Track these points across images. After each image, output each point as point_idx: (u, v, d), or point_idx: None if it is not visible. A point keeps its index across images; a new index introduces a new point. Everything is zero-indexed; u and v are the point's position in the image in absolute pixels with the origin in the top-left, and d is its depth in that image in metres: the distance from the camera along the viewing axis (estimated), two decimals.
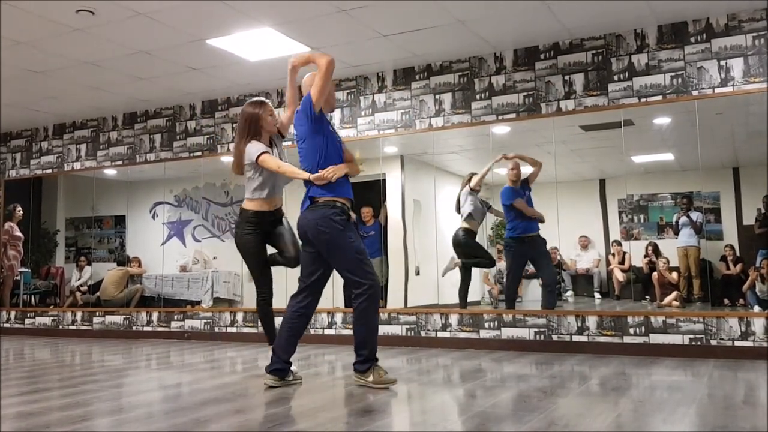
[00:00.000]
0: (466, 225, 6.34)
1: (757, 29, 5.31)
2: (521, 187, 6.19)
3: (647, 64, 5.65)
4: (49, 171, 8.72)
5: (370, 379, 3.98)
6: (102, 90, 7.22)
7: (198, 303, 7.73)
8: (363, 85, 6.83)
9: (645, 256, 6.30)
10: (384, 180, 7.00)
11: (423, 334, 6.28)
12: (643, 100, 5.64)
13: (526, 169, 6.20)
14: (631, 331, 5.49)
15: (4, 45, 5.79)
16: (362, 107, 6.82)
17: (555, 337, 5.75)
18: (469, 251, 6.36)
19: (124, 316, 7.93)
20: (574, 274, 7.00)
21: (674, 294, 5.89)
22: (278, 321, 4.24)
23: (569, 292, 6.90)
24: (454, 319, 6.17)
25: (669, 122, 5.88)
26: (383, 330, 6.43)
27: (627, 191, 6.02)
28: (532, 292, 6.94)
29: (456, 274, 6.48)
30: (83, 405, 3.60)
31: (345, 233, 3.85)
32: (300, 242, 4.14)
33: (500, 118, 6.17)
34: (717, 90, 5.39)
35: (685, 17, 5.50)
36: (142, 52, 6.03)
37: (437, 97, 6.47)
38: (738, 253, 5.69)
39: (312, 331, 6.75)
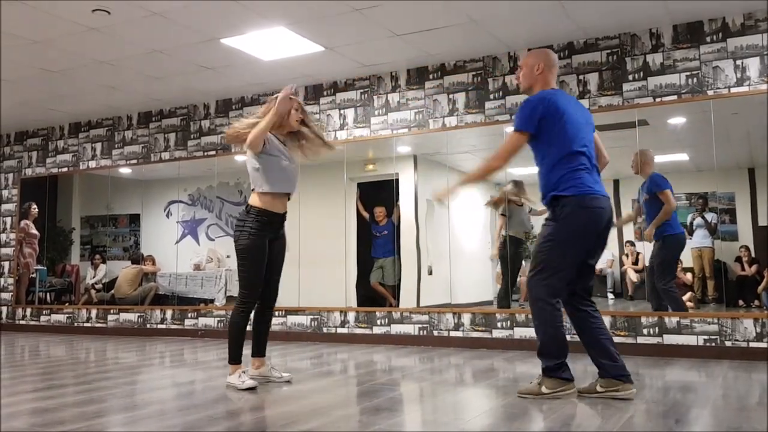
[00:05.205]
0: None
1: None
2: None
3: (662, 64, 5.62)
4: (65, 169, 8.79)
5: None
6: (117, 89, 7.27)
7: (211, 301, 7.77)
8: (376, 84, 6.84)
9: None
10: (397, 180, 7.00)
11: (435, 333, 6.28)
12: (658, 99, 5.61)
13: None
14: (645, 331, 5.46)
15: (21, 45, 5.85)
16: (376, 107, 6.82)
17: (568, 337, 5.72)
18: None
19: (139, 314, 7.99)
20: None
21: (688, 295, 5.85)
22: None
23: None
24: (466, 318, 6.17)
25: (684, 122, 5.84)
26: (396, 329, 6.45)
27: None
28: None
29: (473, 274, 6.49)
30: (97, 401, 3.64)
31: None
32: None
33: (514, 117, 6.14)
34: (733, 90, 5.36)
35: (701, 16, 5.47)
36: (157, 51, 6.07)
37: (451, 96, 6.47)
38: (753, 254, 5.64)
39: (324, 330, 6.77)
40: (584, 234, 3.50)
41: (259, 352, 4.20)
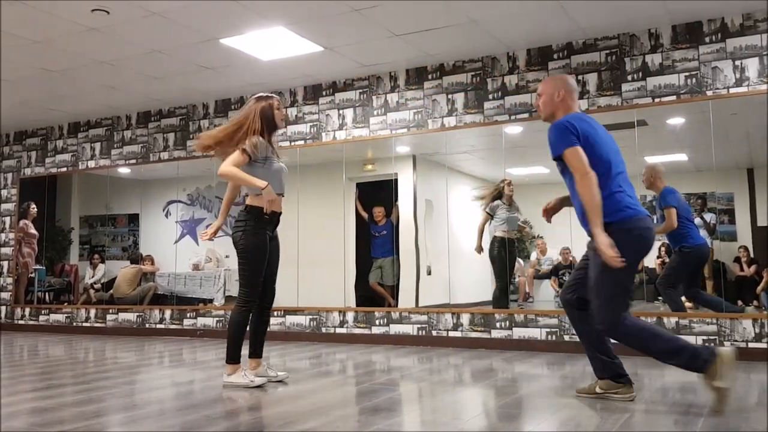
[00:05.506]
0: None
1: None
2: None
3: (661, 64, 5.63)
4: (64, 169, 8.78)
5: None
6: (116, 89, 7.27)
7: (210, 301, 7.77)
8: (375, 84, 6.84)
9: (658, 257, 6.26)
10: (396, 180, 7.00)
11: (434, 333, 6.28)
12: (657, 100, 5.62)
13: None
14: None
15: (21, 45, 5.84)
16: (375, 107, 6.83)
17: (566, 338, 5.74)
18: None
19: (137, 314, 7.98)
20: None
21: None
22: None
23: None
24: (465, 318, 6.17)
25: (683, 122, 5.84)
26: (395, 329, 6.45)
27: (640, 192, 5.98)
28: (543, 292, 6.93)
29: (472, 274, 6.49)
30: (96, 401, 3.64)
31: None
32: None
33: (513, 118, 6.16)
34: (732, 90, 5.36)
35: (700, 17, 5.47)
36: (156, 51, 6.07)
37: (450, 96, 6.47)
38: (752, 255, 5.64)
39: (323, 330, 6.77)
40: (635, 258, 3.41)
41: (256, 353, 4.21)
